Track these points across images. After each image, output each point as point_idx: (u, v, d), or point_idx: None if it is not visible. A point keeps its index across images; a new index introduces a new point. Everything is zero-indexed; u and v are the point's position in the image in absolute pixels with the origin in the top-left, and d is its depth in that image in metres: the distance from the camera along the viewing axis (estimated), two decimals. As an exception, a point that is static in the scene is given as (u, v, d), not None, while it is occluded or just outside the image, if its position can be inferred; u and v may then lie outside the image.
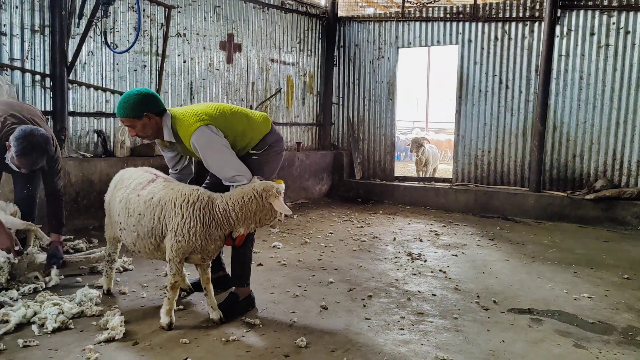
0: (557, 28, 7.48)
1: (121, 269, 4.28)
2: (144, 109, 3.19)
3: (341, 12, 9.60)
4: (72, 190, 5.82)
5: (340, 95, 9.65)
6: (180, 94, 7.27)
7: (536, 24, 7.77)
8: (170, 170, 3.71)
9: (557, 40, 7.52)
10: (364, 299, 3.84)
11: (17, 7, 5.56)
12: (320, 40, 9.38)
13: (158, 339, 3.00)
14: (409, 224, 6.92)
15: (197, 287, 3.81)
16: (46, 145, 3.67)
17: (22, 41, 5.65)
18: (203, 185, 3.60)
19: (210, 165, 3.26)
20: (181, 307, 3.53)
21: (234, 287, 3.55)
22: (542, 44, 7.50)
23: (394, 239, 5.94)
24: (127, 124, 3.24)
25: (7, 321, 3.06)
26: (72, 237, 5.25)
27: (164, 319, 3.13)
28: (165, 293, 3.17)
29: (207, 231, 3.03)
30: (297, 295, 3.88)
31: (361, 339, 3.13)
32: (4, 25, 5.49)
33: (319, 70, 9.49)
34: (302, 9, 8.88)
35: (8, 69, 5.56)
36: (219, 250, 3.27)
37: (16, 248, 3.78)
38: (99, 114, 6.41)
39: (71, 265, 4.34)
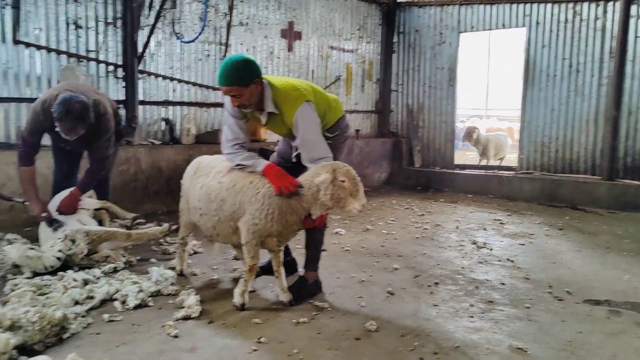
0: (633, 8, 7.07)
1: (192, 252, 4.43)
2: (252, 75, 3.05)
3: (401, -2, 9.46)
4: (143, 176, 6.06)
5: (400, 82, 9.54)
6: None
7: (610, 3, 7.37)
8: (228, 145, 3.35)
9: (632, 20, 7.10)
10: (430, 286, 3.81)
11: (91, 1, 5.81)
12: (379, 27, 9.28)
13: (231, 319, 3.10)
14: (472, 212, 6.78)
15: (266, 270, 3.89)
16: (83, 111, 3.79)
17: (97, 33, 5.91)
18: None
19: (303, 143, 3.17)
20: (251, 289, 3.62)
21: (303, 271, 3.60)
22: (616, 25, 7.12)
23: (457, 227, 5.85)
24: (234, 93, 3.08)
25: (92, 297, 3.24)
26: (144, 220, 5.47)
27: (237, 299, 3.23)
28: (242, 275, 3.26)
29: (284, 218, 3.09)
30: (362, 281, 3.89)
31: (430, 325, 3.11)
32: (80, 18, 5.76)
33: (378, 57, 9.40)
34: (362, -5, 8.82)
35: (84, 60, 5.84)
36: (295, 234, 3.30)
37: (43, 214, 4.02)
38: (166, 103, 6.63)
39: (143, 247, 4.52)
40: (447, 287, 3.81)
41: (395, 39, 9.42)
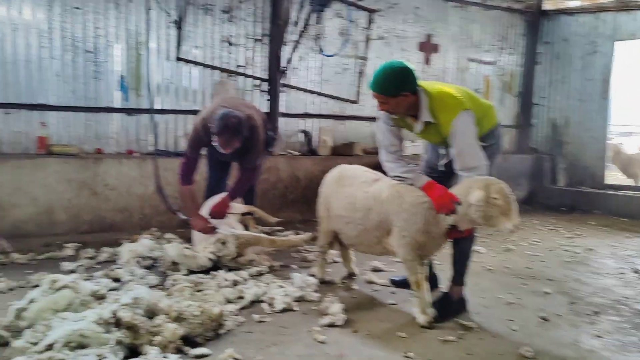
0: None
1: (330, 260, 4.48)
2: (402, 87, 3.00)
3: (547, 6, 8.90)
4: (282, 185, 6.30)
5: (543, 95, 8.94)
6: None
7: None
8: (387, 154, 3.31)
9: None
10: (589, 315, 3.46)
11: (242, 20, 6.22)
12: (522, 37, 8.81)
13: (376, 330, 3.06)
14: (628, 237, 6.10)
15: (401, 284, 3.84)
16: (238, 126, 4.01)
17: (246, 50, 6.31)
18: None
19: (460, 152, 3.06)
20: (392, 302, 3.57)
21: (448, 286, 3.47)
22: None
23: (613, 253, 5.28)
24: (380, 100, 3.07)
25: (242, 297, 3.40)
26: (282, 228, 5.66)
27: (421, 318, 3.13)
28: (412, 292, 3.21)
29: (428, 228, 3.01)
30: (510, 303, 3.65)
31: (595, 357, 2.81)
32: (232, 36, 6.19)
33: (520, 68, 8.91)
34: (505, 4, 8.44)
35: (234, 74, 6.25)
36: (440, 248, 3.21)
37: (208, 226, 4.23)
38: (305, 115, 6.86)
39: (285, 254, 4.66)
40: (610, 317, 3.43)
41: (539, 50, 8.87)
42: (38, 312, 2.74)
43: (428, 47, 7.76)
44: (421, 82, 3.14)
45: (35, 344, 2.46)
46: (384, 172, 3.60)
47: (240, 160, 4.43)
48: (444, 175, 3.32)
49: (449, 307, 3.35)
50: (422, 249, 3.10)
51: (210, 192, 4.70)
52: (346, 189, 3.53)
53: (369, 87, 3.11)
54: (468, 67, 8.27)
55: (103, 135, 5.62)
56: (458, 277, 3.42)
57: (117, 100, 5.65)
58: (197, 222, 4.25)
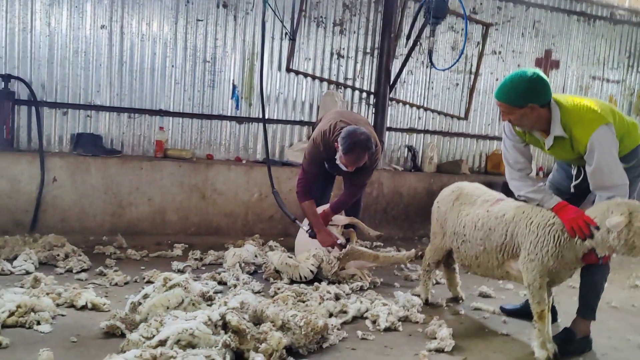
0: None
1: (434, 282, 4.27)
2: (529, 99, 2.77)
3: (685, 20, 8.05)
4: (383, 200, 6.17)
5: (676, 118, 8.07)
6: (489, 113, 7.11)
7: None
8: (512, 172, 3.10)
9: None
10: None
11: (354, 32, 6.22)
12: (654, 54, 8.04)
13: (488, 361, 2.83)
14: None
15: (513, 313, 3.60)
16: (367, 142, 3.88)
17: (355, 62, 6.29)
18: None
19: (597, 170, 2.78)
20: (504, 331, 3.30)
21: (577, 319, 3.14)
22: None
23: None
24: (504, 109, 2.86)
25: (345, 312, 3.30)
26: (382, 243, 5.52)
27: (539, 353, 2.87)
28: (533, 324, 2.95)
29: (560, 252, 2.74)
30: (641, 346, 3.25)
31: None
32: (343, 49, 6.20)
33: (651, 88, 8.12)
34: (636, 19, 7.75)
35: (342, 87, 6.25)
36: (571, 274, 2.92)
37: (338, 241, 4.13)
38: (411, 130, 6.70)
39: (387, 271, 4.52)
40: None
41: (673, 68, 8.04)
42: (151, 307, 2.83)
43: (547, 63, 7.30)
44: (555, 95, 2.89)
45: (148, 338, 2.53)
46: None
47: (352, 176, 4.31)
48: (573, 199, 3.03)
49: (571, 344, 3.03)
50: (552, 275, 2.84)
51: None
52: (466, 207, 3.35)
53: (494, 95, 2.91)
54: (591, 85, 7.67)
55: (214, 142, 5.83)
56: (587, 311, 3.09)
57: (229, 109, 5.85)
58: (325, 238, 4.15)
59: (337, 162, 4.04)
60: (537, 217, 2.88)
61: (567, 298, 3.48)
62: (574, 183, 3.07)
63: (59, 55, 5.15)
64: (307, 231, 4.25)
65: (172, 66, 5.58)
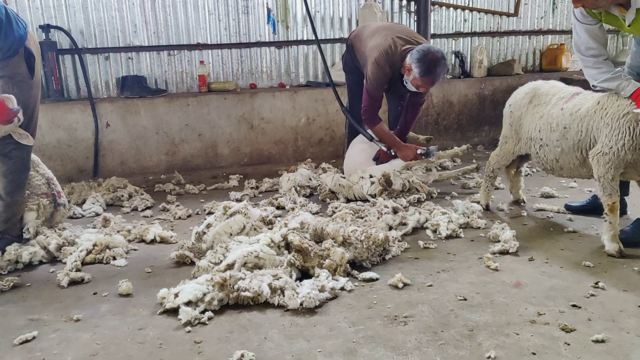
0: None
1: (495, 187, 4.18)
2: None
3: None
4: (434, 111, 5.99)
5: None
6: (541, 5, 6.63)
7: None
8: (585, 58, 2.85)
9: None
10: None
11: None
12: None
13: (556, 259, 2.78)
14: None
15: (579, 210, 3.49)
16: (444, 60, 3.72)
17: (392, -32, 5.93)
18: None
19: None
20: (571, 229, 3.22)
21: None
22: None
23: None
24: None
25: (405, 224, 3.30)
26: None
27: (610, 246, 2.79)
28: (604, 217, 2.84)
29: (637, 144, 2.58)
30: None
31: None
32: (377, -46, 5.83)
33: None
34: None
35: (380, -4, 5.94)
36: None
37: (418, 152, 4.07)
38: (457, 34, 6.36)
39: (443, 182, 4.45)
40: None
41: None
42: (215, 235, 2.92)
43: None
44: None
45: (216, 264, 2.63)
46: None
47: (413, 95, 4.15)
48: None
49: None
50: (631, 167, 2.70)
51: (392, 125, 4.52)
52: (541, 108, 3.16)
53: None
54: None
55: (255, 70, 5.75)
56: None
57: (266, 34, 5.71)
58: (407, 152, 4.09)
59: (406, 83, 3.88)
60: (612, 107, 2.69)
61: (637, 190, 3.33)
62: None
63: (92, -1, 5.12)
64: (387, 152, 4.15)
65: (204, -4, 5.44)
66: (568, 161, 3.00)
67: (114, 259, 2.98)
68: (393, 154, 4.14)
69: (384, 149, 4.16)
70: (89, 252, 2.99)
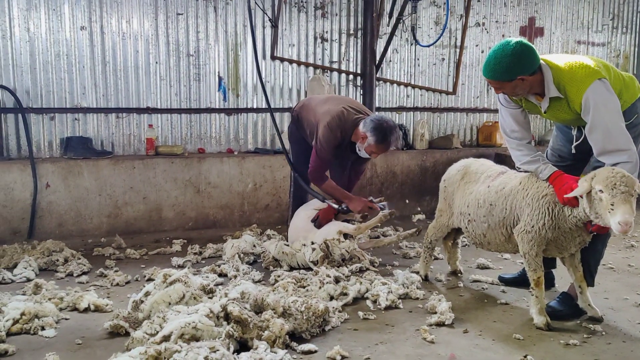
0: None
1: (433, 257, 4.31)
2: (516, 72, 2.69)
3: (667, -23, 8.03)
4: (378, 180, 6.19)
5: (664, 77, 8.09)
6: (477, 86, 7.11)
7: None
8: (510, 140, 3.06)
9: None
10: None
11: (336, 15, 6.19)
12: (638, 14, 8.02)
13: (489, 331, 2.88)
14: None
15: (512, 282, 3.64)
16: (397, 130, 3.97)
17: (339, 45, 6.27)
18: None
19: (593, 129, 2.68)
20: (503, 300, 3.35)
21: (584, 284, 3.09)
22: None
23: None
24: (494, 85, 2.83)
25: (346, 294, 3.33)
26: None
27: (538, 320, 2.90)
28: (530, 291, 2.99)
29: (557, 224, 2.77)
30: (639, 305, 3.30)
31: None
32: (326, 32, 6.17)
33: (636, 49, 8.13)
34: (617, -21, 7.72)
35: (328, 70, 6.23)
36: (581, 244, 2.89)
37: (370, 199, 4.21)
38: (400, 109, 6.70)
39: (385, 250, 4.55)
40: None
41: (658, 27, 8.04)
42: (153, 304, 2.86)
43: (531, 32, 7.29)
44: (545, 57, 2.83)
45: (152, 335, 2.56)
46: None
47: (356, 161, 4.37)
48: (575, 164, 3.04)
49: (569, 308, 3.07)
50: (554, 245, 2.87)
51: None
52: (471, 185, 3.35)
53: (482, 73, 2.86)
54: (576, 50, 7.67)
55: (204, 135, 5.82)
56: (590, 278, 3.11)
57: (217, 101, 5.83)
58: (357, 203, 4.17)
59: (359, 150, 4.08)
60: (532, 188, 2.89)
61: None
62: (574, 144, 2.99)
63: (41, 60, 5.11)
64: (338, 208, 4.21)
65: (156, 62, 5.55)
66: (494, 237, 3.15)
67: (43, 329, 2.84)
68: (345, 207, 4.24)
69: (335, 206, 4.26)
70: (15, 322, 2.84)
